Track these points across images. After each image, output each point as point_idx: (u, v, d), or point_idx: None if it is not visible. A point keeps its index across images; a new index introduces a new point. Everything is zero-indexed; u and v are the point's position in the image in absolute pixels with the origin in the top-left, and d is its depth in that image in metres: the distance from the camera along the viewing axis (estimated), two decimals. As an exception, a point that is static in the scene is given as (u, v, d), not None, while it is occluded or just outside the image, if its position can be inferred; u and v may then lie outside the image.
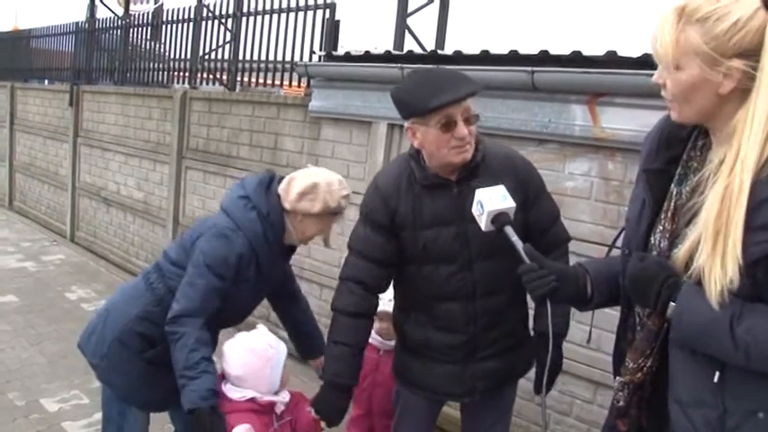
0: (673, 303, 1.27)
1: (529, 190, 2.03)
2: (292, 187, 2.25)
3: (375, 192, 2.09)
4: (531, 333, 2.18)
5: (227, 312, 2.29)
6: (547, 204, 2.11)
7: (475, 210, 1.73)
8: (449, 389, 2.16)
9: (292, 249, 2.45)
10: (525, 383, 2.40)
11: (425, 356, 2.14)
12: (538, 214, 2.06)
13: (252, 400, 2.16)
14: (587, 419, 3.18)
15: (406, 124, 1.99)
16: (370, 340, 2.83)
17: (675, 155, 1.41)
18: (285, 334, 2.72)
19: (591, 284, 1.59)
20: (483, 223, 1.70)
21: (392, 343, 2.69)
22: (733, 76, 1.20)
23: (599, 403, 3.10)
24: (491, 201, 1.69)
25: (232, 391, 2.18)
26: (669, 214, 1.38)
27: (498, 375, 2.15)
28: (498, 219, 1.68)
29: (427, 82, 1.91)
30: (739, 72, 1.19)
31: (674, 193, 1.38)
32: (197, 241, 2.24)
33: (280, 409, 2.23)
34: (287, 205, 2.25)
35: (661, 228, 1.39)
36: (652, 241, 1.41)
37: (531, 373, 2.20)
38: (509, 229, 1.66)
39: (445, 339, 2.09)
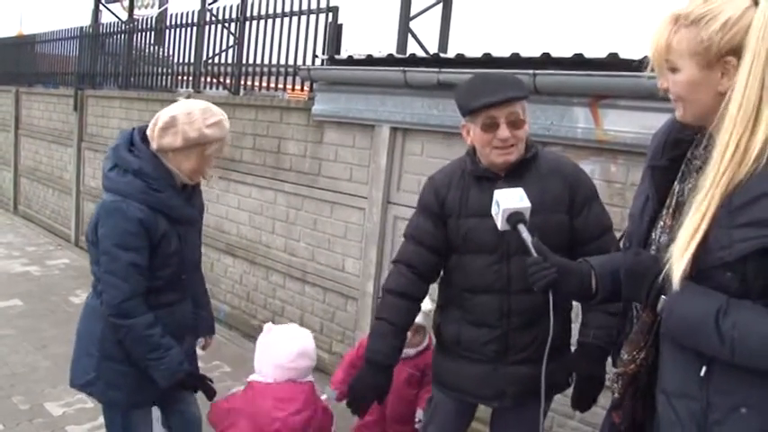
0: (663, 298, 1.31)
1: (576, 195, 2.05)
2: (156, 126, 2.17)
3: (429, 183, 2.22)
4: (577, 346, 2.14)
5: (175, 272, 2.25)
6: (596, 214, 2.09)
7: (493, 209, 1.79)
8: (478, 390, 2.17)
9: (196, 186, 2.35)
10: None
11: (457, 355, 2.18)
12: (585, 222, 2.06)
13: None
14: (591, 422, 3.17)
15: (461, 122, 2.09)
16: None
17: (682, 153, 1.44)
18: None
19: (595, 280, 1.59)
20: (499, 222, 1.76)
21: (410, 351, 2.71)
22: (730, 74, 1.24)
23: (602, 405, 3.08)
24: (507, 200, 1.75)
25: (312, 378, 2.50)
26: (670, 211, 1.41)
27: (530, 383, 2.05)
28: (513, 217, 1.73)
29: (478, 84, 2.03)
30: (735, 69, 1.23)
31: (677, 190, 1.42)
32: (98, 230, 2.15)
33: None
34: (155, 146, 2.17)
35: (662, 224, 1.43)
36: (653, 236, 1.44)
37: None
38: (521, 227, 1.71)
39: (476, 334, 2.11)
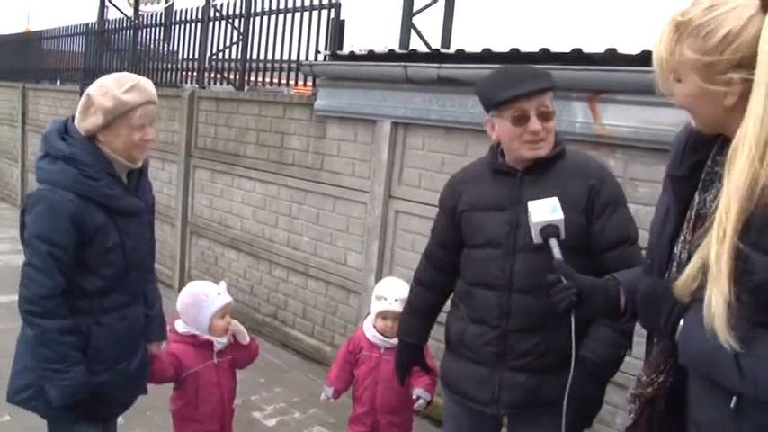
0: (681, 324, 1.21)
1: (597, 197, 1.97)
2: (77, 112, 2.07)
3: (449, 181, 2.28)
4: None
5: (120, 270, 2.09)
6: (617, 220, 1.99)
7: (529, 220, 1.73)
8: (473, 392, 2.12)
9: (141, 172, 2.20)
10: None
11: (460, 354, 2.16)
12: (602, 227, 1.97)
13: (193, 336, 2.59)
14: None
15: (485, 117, 2.07)
16: (371, 339, 2.87)
17: (702, 158, 1.32)
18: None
19: (624, 297, 1.50)
20: (534, 234, 1.71)
21: (394, 341, 2.73)
22: (734, 88, 1.14)
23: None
24: (539, 212, 1.70)
25: (180, 326, 2.62)
26: (690, 224, 1.30)
27: (526, 394, 2.04)
28: (545, 230, 1.68)
29: (504, 76, 2.01)
30: (740, 84, 1.12)
31: (697, 201, 1.30)
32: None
33: (217, 347, 2.62)
34: (82, 132, 2.04)
35: (682, 238, 1.31)
36: (675, 252, 1.33)
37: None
38: (552, 242, 1.66)
39: (477, 332, 2.08)
